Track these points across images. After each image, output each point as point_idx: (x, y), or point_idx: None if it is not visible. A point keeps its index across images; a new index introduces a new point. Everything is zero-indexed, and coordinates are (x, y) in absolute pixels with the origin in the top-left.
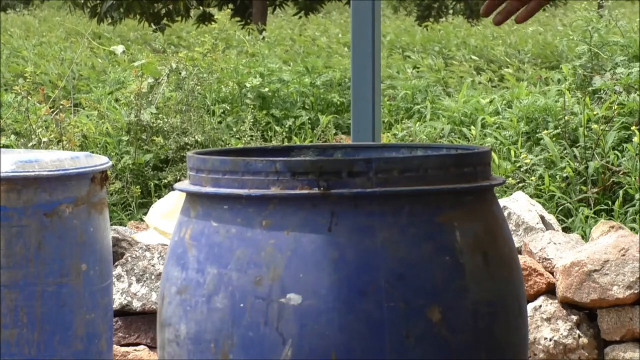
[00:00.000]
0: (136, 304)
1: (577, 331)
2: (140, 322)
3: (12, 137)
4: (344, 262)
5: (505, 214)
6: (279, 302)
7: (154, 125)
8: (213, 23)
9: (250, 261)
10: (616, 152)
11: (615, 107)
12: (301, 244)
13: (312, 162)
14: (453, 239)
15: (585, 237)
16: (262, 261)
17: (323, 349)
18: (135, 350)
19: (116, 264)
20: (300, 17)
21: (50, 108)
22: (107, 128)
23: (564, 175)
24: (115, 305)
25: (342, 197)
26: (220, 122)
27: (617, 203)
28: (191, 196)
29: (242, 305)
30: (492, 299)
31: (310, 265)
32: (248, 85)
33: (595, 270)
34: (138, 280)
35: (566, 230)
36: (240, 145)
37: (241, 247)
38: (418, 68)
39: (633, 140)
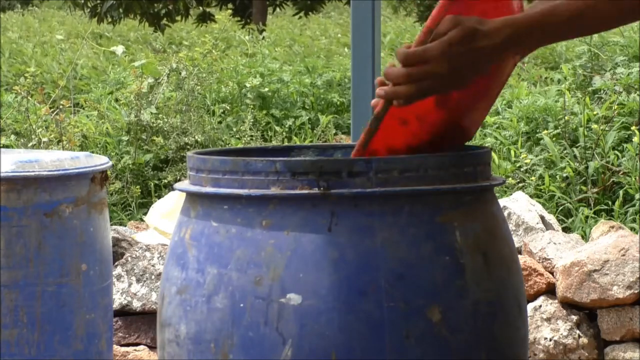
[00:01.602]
0: (136, 304)
1: (577, 331)
2: (140, 322)
3: (12, 137)
4: (344, 262)
5: (505, 214)
6: (279, 302)
7: (154, 125)
8: (213, 23)
9: (250, 261)
10: (616, 152)
11: (615, 107)
12: (301, 244)
13: (312, 162)
14: (453, 239)
15: (585, 237)
16: (262, 261)
17: (323, 349)
18: (135, 350)
19: (116, 264)
20: (300, 17)
21: (50, 108)
22: (107, 128)
23: (564, 175)
24: (115, 305)
25: (342, 197)
26: (220, 122)
27: (617, 203)
28: (191, 196)
29: (242, 305)
30: (492, 299)
31: (310, 265)
32: (248, 85)
33: (595, 270)
34: (138, 280)
35: (566, 230)
36: (240, 145)
37: (241, 247)
38: None
39: (633, 140)
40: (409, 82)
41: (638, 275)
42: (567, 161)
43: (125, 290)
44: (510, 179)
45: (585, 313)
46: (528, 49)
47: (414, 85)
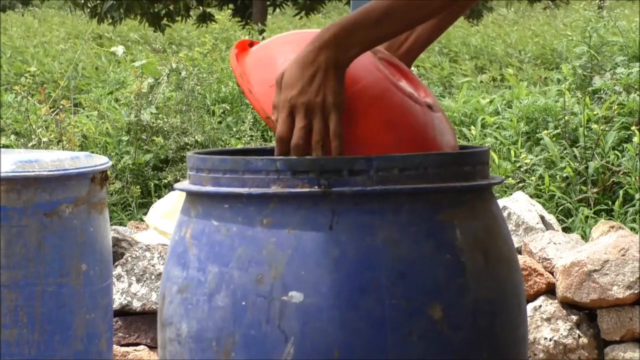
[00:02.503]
0: (136, 304)
1: (577, 331)
2: (140, 322)
3: (12, 137)
4: (345, 260)
5: (505, 214)
6: (280, 300)
7: (154, 125)
8: (213, 23)
9: (252, 259)
10: (616, 152)
11: (615, 107)
12: (302, 242)
13: (313, 161)
14: (454, 237)
15: (585, 237)
16: (263, 259)
17: (325, 346)
18: (135, 350)
19: (116, 264)
20: (300, 18)
21: (50, 108)
22: (107, 128)
23: (564, 175)
24: (115, 305)
25: (342, 195)
26: (220, 122)
27: (617, 203)
28: (191, 196)
29: (243, 303)
30: (492, 298)
31: (312, 263)
32: None
33: (595, 270)
34: (138, 280)
35: (566, 230)
36: (240, 146)
37: (242, 245)
38: (419, 67)
39: (633, 140)
40: (310, 148)
41: (638, 275)
42: (567, 161)
43: (125, 290)
44: (510, 179)
45: (585, 313)
46: (361, 46)
47: (317, 144)
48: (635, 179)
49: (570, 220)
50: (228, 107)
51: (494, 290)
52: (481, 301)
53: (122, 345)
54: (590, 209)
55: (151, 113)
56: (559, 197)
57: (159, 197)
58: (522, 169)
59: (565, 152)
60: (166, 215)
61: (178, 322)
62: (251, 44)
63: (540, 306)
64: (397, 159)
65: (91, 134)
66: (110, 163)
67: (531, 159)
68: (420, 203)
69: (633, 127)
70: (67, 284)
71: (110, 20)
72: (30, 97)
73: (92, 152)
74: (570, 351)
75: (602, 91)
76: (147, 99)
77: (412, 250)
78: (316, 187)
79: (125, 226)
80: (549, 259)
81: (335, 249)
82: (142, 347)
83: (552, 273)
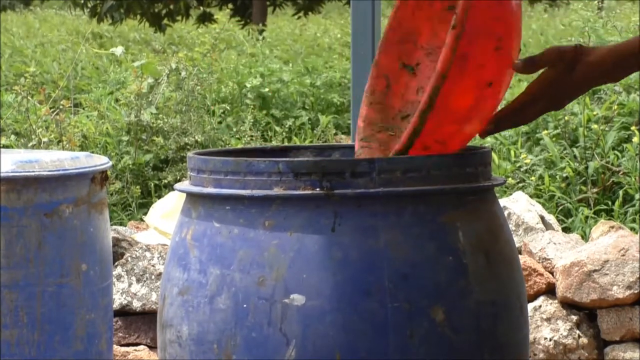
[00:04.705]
0: (136, 304)
1: (577, 331)
2: (140, 322)
3: (12, 137)
4: (348, 263)
5: (505, 214)
6: (282, 302)
7: (154, 125)
8: (213, 23)
9: (253, 262)
10: (616, 152)
11: (615, 107)
12: (304, 244)
13: (315, 163)
14: (456, 239)
15: (585, 237)
16: (265, 262)
17: (327, 349)
18: (135, 350)
19: (116, 264)
20: (299, 18)
21: (50, 108)
22: (107, 128)
23: (564, 175)
24: (115, 305)
25: (345, 197)
26: (220, 122)
27: (617, 203)
28: (192, 197)
29: (245, 305)
30: (494, 299)
31: (314, 266)
32: (248, 85)
33: (595, 270)
34: (138, 280)
35: (566, 230)
36: (240, 146)
37: (244, 247)
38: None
39: (633, 140)
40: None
41: (638, 275)
42: (567, 161)
43: (125, 290)
44: (510, 179)
45: (585, 313)
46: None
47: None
48: (635, 179)
49: (570, 220)
50: (228, 107)
51: (496, 292)
52: (483, 303)
53: (122, 345)
54: (590, 209)
55: (151, 113)
56: (558, 197)
57: (159, 197)
58: (522, 169)
59: (565, 152)
60: (166, 215)
61: (178, 324)
62: None
63: (540, 306)
64: (399, 161)
65: (91, 134)
66: (110, 163)
67: (531, 159)
68: (422, 205)
69: (633, 127)
70: (67, 284)
71: (110, 21)
72: (30, 97)
73: (92, 152)
74: (570, 351)
75: (602, 91)
76: (147, 99)
77: (414, 253)
78: (318, 189)
79: (125, 226)
80: (549, 259)
81: (338, 252)
82: (142, 347)
83: (552, 273)
